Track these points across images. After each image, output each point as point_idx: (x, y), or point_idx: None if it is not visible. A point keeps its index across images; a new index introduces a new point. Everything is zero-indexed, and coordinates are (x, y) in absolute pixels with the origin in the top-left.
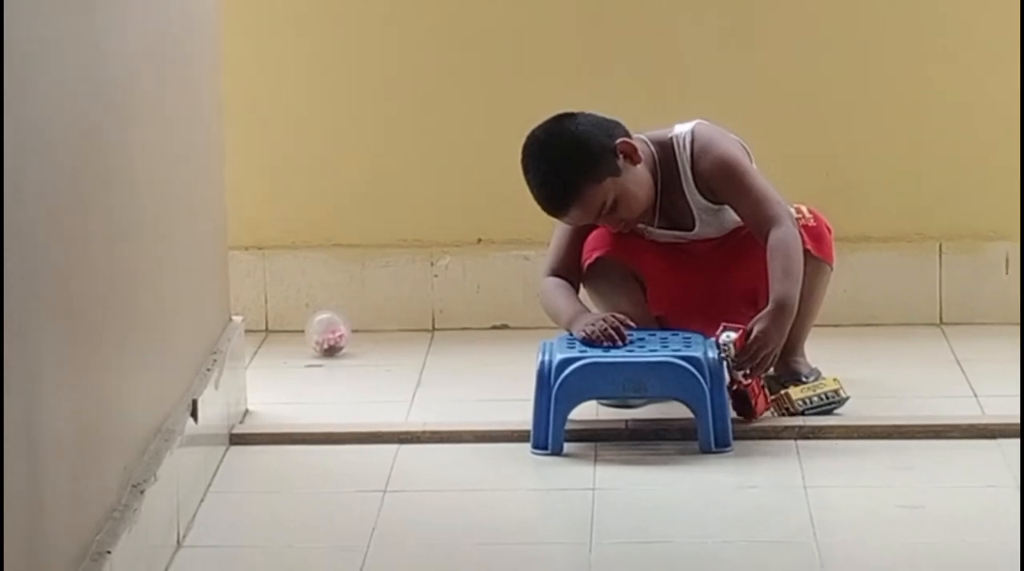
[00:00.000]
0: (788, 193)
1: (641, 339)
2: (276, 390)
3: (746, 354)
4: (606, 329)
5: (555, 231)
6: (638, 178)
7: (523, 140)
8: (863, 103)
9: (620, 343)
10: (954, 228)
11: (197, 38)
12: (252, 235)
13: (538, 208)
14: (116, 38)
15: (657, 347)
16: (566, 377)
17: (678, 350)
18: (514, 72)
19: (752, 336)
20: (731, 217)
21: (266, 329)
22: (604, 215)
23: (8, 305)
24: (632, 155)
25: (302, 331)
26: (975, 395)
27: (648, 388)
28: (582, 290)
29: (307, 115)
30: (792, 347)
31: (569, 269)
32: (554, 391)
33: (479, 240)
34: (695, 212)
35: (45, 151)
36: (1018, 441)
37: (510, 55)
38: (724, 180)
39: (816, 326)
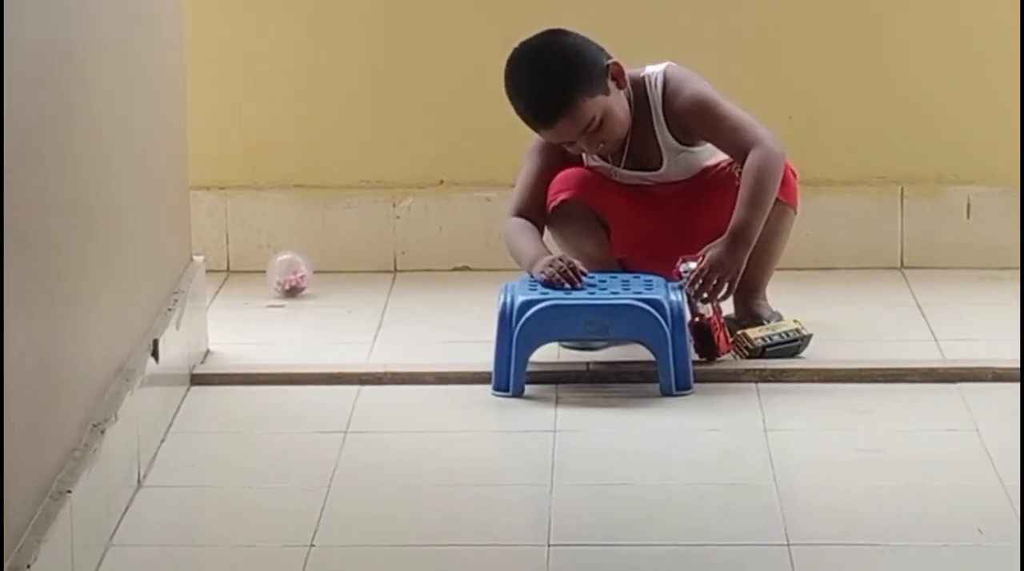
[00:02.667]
0: None
1: (603, 281)
2: (237, 331)
3: (699, 279)
4: (564, 270)
5: (521, 172)
6: (622, 102)
7: (509, 55)
8: (827, 46)
9: (578, 285)
10: (916, 172)
11: None
12: (214, 175)
13: (501, 149)
14: None
15: (619, 289)
16: (527, 319)
17: (640, 293)
18: (477, 13)
19: (704, 260)
20: (697, 159)
21: (227, 269)
22: (587, 134)
23: None
24: (619, 78)
25: (263, 272)
26: (935, 339)
27: (609, 330)
28: (546, 232)
29: (270, 55)
30: (754, 290)
31: (534, 210)
32: (515, 333)
33: (441, 181)
34: (663, 151)
35: (2, 89)
36: (977, 385)
37: None
38: (699, 115)
39: (777, 269)
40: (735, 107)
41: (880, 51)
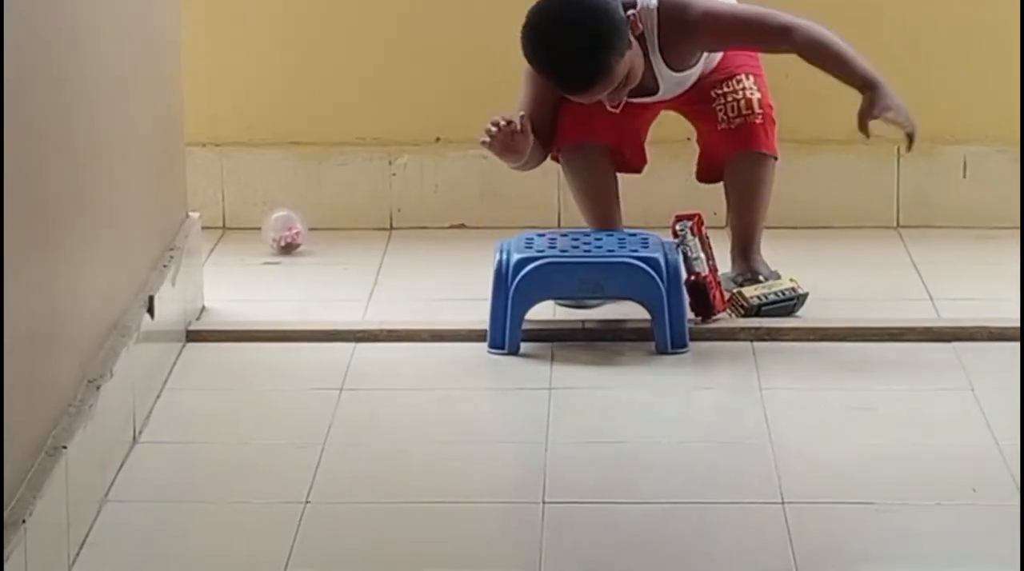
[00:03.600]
0: None
1: (599, 239)
2: (233, 287)
3: (899, 117)
4: (498, 124)
5: (519, 96)
6: (638, 51)
7: (527, 14)
8: (823, 5)
9: (504, 127)
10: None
11: None
12: (210, 132)
13: (498, 107)
14: None
15: (615, 247)
16: (523, 277)
17: (636, 251)
18: None
19: (885, 109)
20: (690, 77)
21: (223, 226)
22: (616, 89)
23: None
24: (634, 28)
25: (259, 228)
26: (931, 298)
27: (605, 288)
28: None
29: (266, 11)
30: (749, 244)
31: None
32: (511, 291)
33: (437, 139)
34: (660, 80)
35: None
36: (972, 344)
37: None
38: (716, 31)
39: (773, 228)
40: (741, 6)
41: (876, 9)
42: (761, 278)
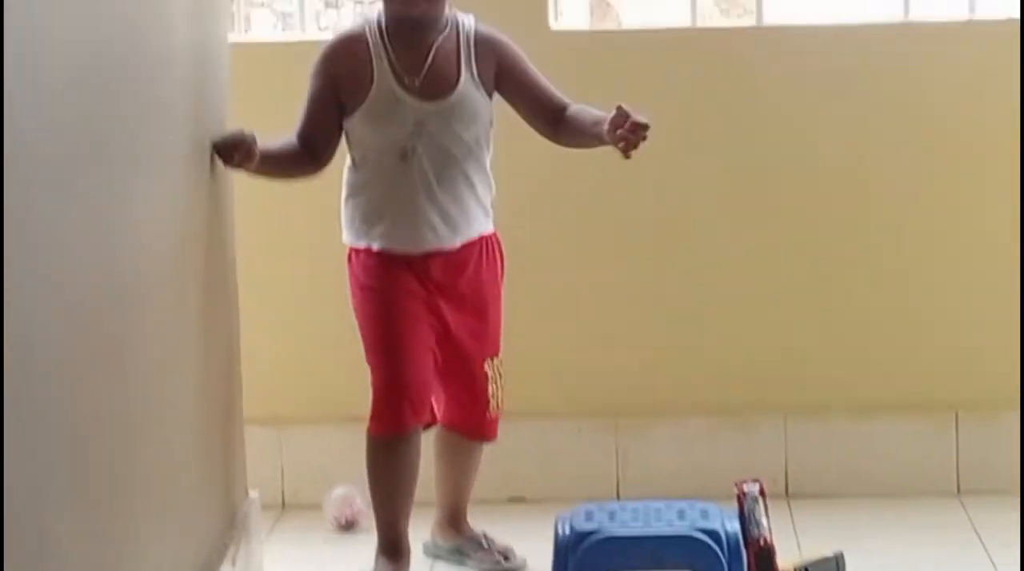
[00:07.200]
0: (814, 369)
1: (658, 511)
2: (294, 566)
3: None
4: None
5: (307, 95)
6: (454, 26)
7: None
8: (879, 278)
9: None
10: (970, 397)
11: (211, 213)
12: (268, 409)
13: (553, 380)
14: (130, 214)
15: (674, 519)
16: (584, 551)
17: (696, 522)
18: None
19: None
20: (480, 110)
21: (283, 504)
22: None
23: (19, 483)
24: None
25: (319, 505)
26: (994, 565)
27: (666, 562)
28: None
29: (322, 290)
30: (463, 516)
31: (313, 134)
32: (571, 566)
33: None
34: (461, 74)
35: (59, 326)
36: None
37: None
38: (516, 53)
39: (832, 497)
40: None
41: (933, 281)
42: (481, 540)
